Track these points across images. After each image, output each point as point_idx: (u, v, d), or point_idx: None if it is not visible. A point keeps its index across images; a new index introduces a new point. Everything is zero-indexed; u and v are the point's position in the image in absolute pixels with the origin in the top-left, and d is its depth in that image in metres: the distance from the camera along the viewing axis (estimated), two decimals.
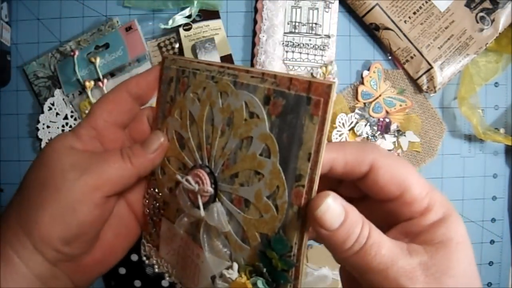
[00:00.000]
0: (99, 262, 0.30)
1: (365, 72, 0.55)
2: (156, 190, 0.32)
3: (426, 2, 0.54)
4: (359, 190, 0.25)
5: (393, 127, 0.56)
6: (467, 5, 0.54)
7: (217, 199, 0.27)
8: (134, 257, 0.53)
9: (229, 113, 0.26)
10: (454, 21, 0.54)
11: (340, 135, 0.55)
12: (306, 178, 0.22)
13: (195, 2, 0.53)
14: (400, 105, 0.55)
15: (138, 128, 0.32)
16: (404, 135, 0.56)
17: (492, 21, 0.54)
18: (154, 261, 0.33)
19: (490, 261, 0.59)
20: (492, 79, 0.57)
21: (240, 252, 0.26)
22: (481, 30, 0.54)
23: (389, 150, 0.56)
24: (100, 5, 0.55)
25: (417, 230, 0.23)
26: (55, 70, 0.55)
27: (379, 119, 0.56)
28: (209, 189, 0.26)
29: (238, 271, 0.26)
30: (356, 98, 0.55)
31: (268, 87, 0.24)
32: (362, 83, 0.55)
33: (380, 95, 0.55)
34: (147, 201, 0.32)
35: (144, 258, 0.34)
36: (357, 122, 0.55)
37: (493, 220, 0.59)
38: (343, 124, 0.55)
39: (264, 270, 0.24)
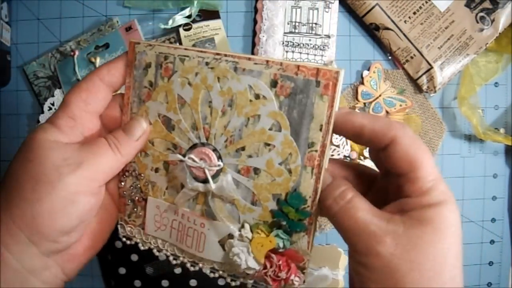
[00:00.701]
0: (88, 249, 0.31)
1: (365, 72, 0.55)
2: (136, 172, 0.33)
3: (426, 2, 0.54)
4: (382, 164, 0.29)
5: None
6: (467, 5, 0.54)
7: (221, 172, 0.30)
8: (134, 257, 0.53)
9: (230, 96, 0.29)
10: (454, 21, 0.54)
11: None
12: (318, 144, 0.28)
13: (195, 2, 0.53)
14: (400, 105, 0.55)
15: (110, 115, 0.33)
16: None
17: (492, 21, 0.54)
18: (138, 240, 0.35)
19: (490, 261, 0.59)
20: (492, 79, 0.57)
21: (249, 213, 0.30)
22: (481, 30, 0.54)
23: None
24: (100, 5, 0.55)
25: (410, 208, 0.25)
26: (55, 70, 0.55)
27: None
28: (220, 163, 0.30)
29: (251, 229, 0.30)
30: (356, 98, 0.55)
31: (275, 72, 0.28)
32: (362, 83, 0.55)
33: (380, 95, 0.55)
34: (122, 183, 0.34)
35: (124, 239, 0.35)
36: None
37: (493, 220, 0.59)
38: None
39: (284, 222, 0.29)
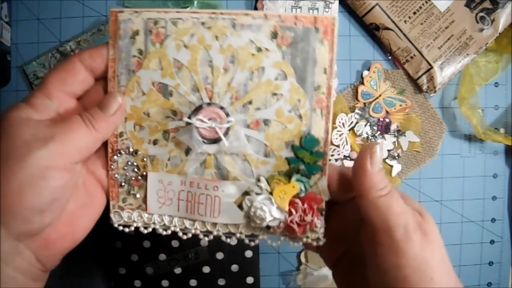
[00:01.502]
0: (64, 236, 0.30)
1: (365, 72, 0.55)
2: (131, 149, 0.32)
3: (426, 2, 0.54)
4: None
5: (393, 127, 0.56)
6: (467, 5, 0.54)
7: (230, 130, 0.31)
8: (134, 257, 0.53)
9: (231, 52, 0.30)
10: (454, 21, 0.54)
11: (340, 135, 0.55)
12: (324, 86, 0.30)
13: (195, 2, 0.53)
14: (400, 105, 0.55)
15: (93, 99, 0.31)
16: (404, 135, 0.56)
17: (492, 21, 0.54)
18: (139, 224, 0.33)
19: (490, 261, 0.59)
20: (492, 79, 0.57)
21: (263, 166, 0.31)
22: (481, 30, 0.54)
23: (389, 150, 0.56)
24: (100, 5, 0.55)
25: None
26: None
27: (379, 119, 0.56)
28: (231, 119, 0.30)
29: (267, 182, 0.31)
30: (356, 98, 0.55)
31: (274, 24, 0.30)
32: (362, 83, 0.55)
33: (380, 95, 0.55)
34: (113, 166, 0.32)
35: (121, 228, 0.33)
36: (357, 122, 0.55)
37: (493, 220, 0.59)
38: (343, 124, 0.55)
39: (302, 166, 0.30)
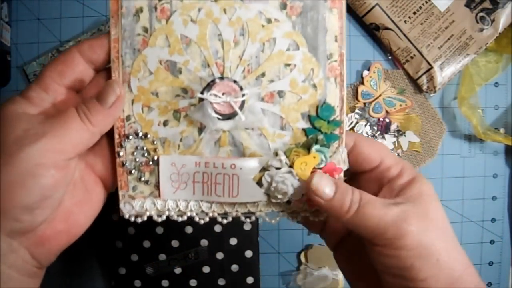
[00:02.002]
0: (60, 233, 0.29)
1: (365, 72, 0.55)
2: (140, 133, 0.31)
3: (426, 2, 0.54)
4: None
5: (393, 127, 0.56)
6: (467, 5, 0.54)
7: (244, 103, 0.30)
8: (134, 257, 0.53)
9: (241, 25, 0.30)
10: (454, 21, 0.54)
11: None
12: (336, 54, 0.31)
13: None
14: (400, 105, 0.55)
15: (94, 92, 0.30)
16: (404, 135, 0.56)
17: (492, 21, 0.54)
18: (153, 212, 0.31)
19: (490, 261, 0.59)
20: (492, 79, 0.57)
21: (280, 139, 0.31)
22: (481, 30, 0.54)
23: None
24: (100, 5, 0.55)
25: (397, 189, 0.29)
26: None
27: (379, 119, 0.56)
28: (245, 92, 0.30)
29: (285, 154, 0.30)
30: (356, 98, 0.56)
31: None
32: (362, 83, 0.55)
33: (380, 95, 0.55)
34: (121, 153, 0.31)
35: (133, 219, 0.32)
36: (357, 122, 0.55)
37: (493, 220, 0.59)
38: None
39: (321, 136, 0.30)
